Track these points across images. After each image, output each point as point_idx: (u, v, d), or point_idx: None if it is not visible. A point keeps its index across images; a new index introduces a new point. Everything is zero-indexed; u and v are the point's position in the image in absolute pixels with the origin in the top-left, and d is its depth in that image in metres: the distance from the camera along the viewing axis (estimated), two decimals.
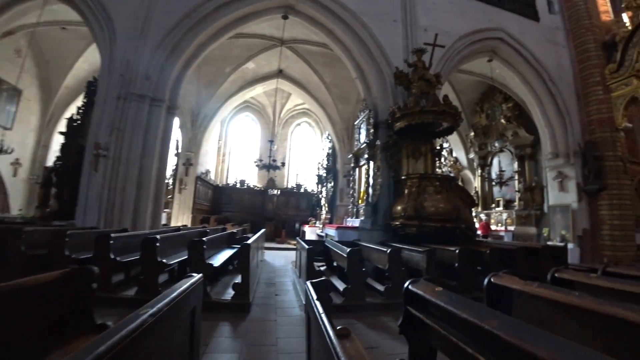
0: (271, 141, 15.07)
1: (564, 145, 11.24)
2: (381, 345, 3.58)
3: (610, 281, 2.91)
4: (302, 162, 22.48)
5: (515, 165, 13.20)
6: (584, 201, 10.92)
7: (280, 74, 16.14)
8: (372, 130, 8.45)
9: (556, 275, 3.28)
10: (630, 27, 10.82)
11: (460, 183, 14.01)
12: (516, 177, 13.11)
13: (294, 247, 10.31)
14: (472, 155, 15.49)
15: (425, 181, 7.16)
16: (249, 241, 5.11)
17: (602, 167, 10.56)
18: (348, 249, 4.93)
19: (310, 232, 14.16)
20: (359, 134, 9.52)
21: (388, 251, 5.07)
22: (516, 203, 13.29)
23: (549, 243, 10.47)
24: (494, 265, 5.99)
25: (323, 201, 17.40)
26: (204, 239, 4.71)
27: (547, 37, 11.78)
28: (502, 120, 13.83)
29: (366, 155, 8.54)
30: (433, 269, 5.31)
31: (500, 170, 12.59)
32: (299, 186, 20.89)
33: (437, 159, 8.63)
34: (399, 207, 7.38)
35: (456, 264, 5.58)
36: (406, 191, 7.38)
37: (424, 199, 6.89)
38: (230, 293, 4.62)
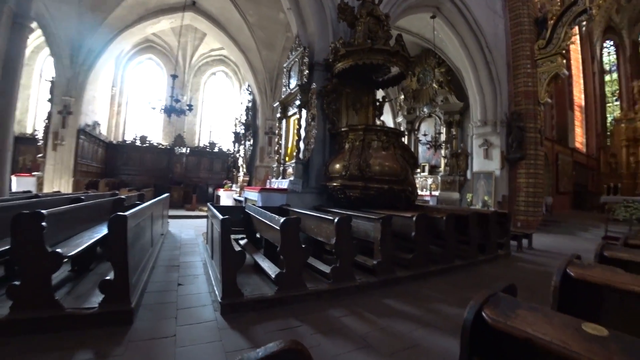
0: (174, 76, 11.80)
1: (492, 114, 11.25)
2: None
3: None
4: (217, 118, 19.58)
5: (444, 131, 13.03)
6: (505, 169, 11.17)
7: (193, 6, 13.15)
8: (306, 72, 6.82)
9: (605, 254, 2.32)
10: (560, 7, 11.08)
11: None
12: (443, 143, 12.98)
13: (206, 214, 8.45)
14: (400, 119, 15.06)
15: (370, 134, 5.93)
16: (131, 211, 3.22)
17: (524, 137, 10.85)
18: (282, 219, 3.43)
19: (226, 197, 12.28)
20: (289, 77, 7.78)
21: (336, 220, 3.72)
22: (441, 169, 13.27)
23: (471, 208, 10.55)
24: (451, 233, 5.19)
25: (241, 161, 15.22)
26: (43, 211, 2.67)
27: (488, 4, 11.41)
28: (434, 85, 13.43)
29: (297, 103, 6.92)
30: (389, 241, 4.18)
31: (437, 133, 12.28)
32: (212, 145, 18.10)
33: (378, 113, 7.47)
34: (337, 166, 6.08)
35: (413, 234, 4.56)
36: (347, 146, 6.09)
37: (369, 156, 5.70)
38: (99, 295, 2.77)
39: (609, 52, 20.86)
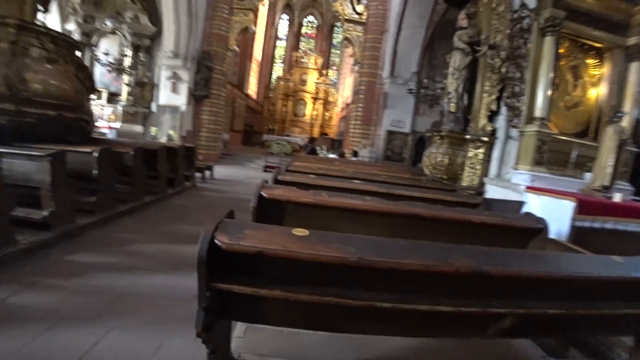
0: None
1: (185, 48, 10.95)
2: None
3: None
4: None
5: (130, 54, 11.37)
6: (191, 105, 11.56)
7: None
8: None
9: (279, 178, 2.94)
10: None
11: None
12: (128, 68, 11.40)
13: None
14: (71, 27, 11.57)
15: (29, 36, 4.16)
16: None
17: (211, 77, 11.55)
18: None
19: None
20: None
21: None
22: (123, 98, 11.74)
23: (157, 142, 10.36)
24: (140, 169, 4.82)
25: None
26: None
27: None
28: None
29: None
30: (64, 184, 3.31)
31: (122, 55, 10.36)
32: None
33: (42, 6, 5.30)
34: None
35: (95, 172, 3.84)
36: None
37: (26, 68, 4.04)
38: None
39: (283, 24, 25.67)
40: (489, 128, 5.03)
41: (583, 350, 2.40)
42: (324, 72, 23.50)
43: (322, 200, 2.23)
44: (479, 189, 4.94)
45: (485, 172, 5.04)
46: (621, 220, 3.33)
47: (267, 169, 11.20)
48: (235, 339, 1.78)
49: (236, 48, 13.20)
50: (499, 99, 4.96)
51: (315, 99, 22.50)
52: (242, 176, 10.08)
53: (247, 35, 16.92)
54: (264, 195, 2.15)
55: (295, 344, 1.82)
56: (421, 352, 1.95)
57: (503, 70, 4.77)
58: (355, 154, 11.50)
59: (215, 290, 1.19)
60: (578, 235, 3.21)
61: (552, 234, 2.70)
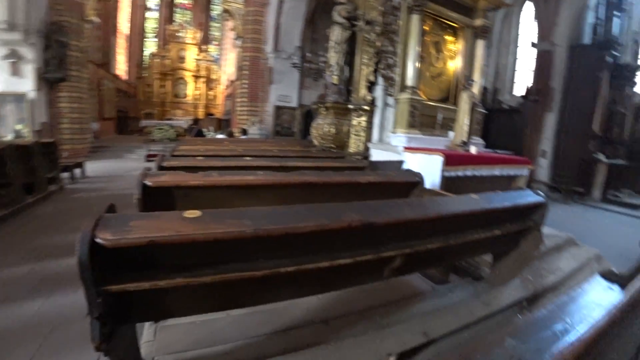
0: None
1: (24, 17, 8.62)
2: None
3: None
4: None
5: None
6: (43, 91, 9.49)
7: None
8: None
9: (164, 164, 2.71)
10: None
11: None
12: None
13: None
14: None
15: None
16: None
17: (66, 55, 9.54)
18: None
19: None
20: None
21: None
22: None
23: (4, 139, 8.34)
24: None
25: None
26: None
27: None
28: None
29: None
30: None
31: None
32: None
33: None
34: None
35: None
36: None
37: None
38: None
39: None
40: (368, 97, 5.48)
41: (459, 273, 2.97)
42: (204, 47, 21.68)
43: (213, 181, 2.16)
44: (365, 154, 5.41)
45: (368, 138, 5.52)
46: (477, 167, 4.12)
47: (149, 158, 10.09)
48: (145, 345, 1.64)
49: (95, 19, 11.16)
50: (375, 70, 5.40)
51: (196, 77, 20.64)
52: (121, 170, 8.93)
53: (108, 4, 14.46)
54: (149, 184, 1.97)
55: (211, 331, 1.78)
56: (329, 309, 2.10)
57: (378, 44, 5.20)
58: (244, 132, 11.26)
59: (108, 294, 1.07)
60: (447, 183, 3.85)
61: (428, 184, 3.17)
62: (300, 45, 11.62)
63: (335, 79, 5.87)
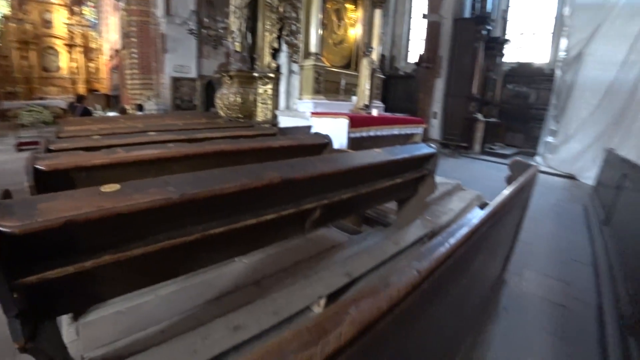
0: None
1: None
2: None
3: None
4: None
5: None
6: None
7: None
8: None
9: (51, 147, 2.36)
10: None
11: None
12: None
13: None
14: None
15: None
16: None
17: None
18: None
19: None
20: None
21: None
22: None
23: None
24: None
25: None
26: None
27: None
28: None
29: None
30: None
31: None
32: None
33: None
34: None
35: None
36: None
37: None
38: None
39: None
40: (273, 65, 5.45)
41: (370, 223, 3.34)
42: (77, 9, 18.05)
43: (121, 157, 2.02)
44: (273, 121, 5.45)
45: (276, 106, 5.55)
46: (378, 128, 4.54)
47: (22, 146, 8.41)
48: (70, 345, 1.48)
49: None
50: (279, 37, 5.36)
51: (70, 46, 16.94)
52: None
53: None
54: (42, 168, 1.75)
55: (140, 315, 1.72)
56: (258, 271, 2.19)
57: (281, 9, 5.13)
58: (140, 108, 10.19)
59: (25, 287, 0.98)
60: (353, 143, 4.19)
61: (336, 145, 3.42)
62: (196, 10, 10.69)
63: (238, 46, 5.65)
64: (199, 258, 1.40)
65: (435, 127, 10.64)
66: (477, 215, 2.51)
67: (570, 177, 7.49)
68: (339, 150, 3.19)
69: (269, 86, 5.42)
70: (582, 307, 2.69)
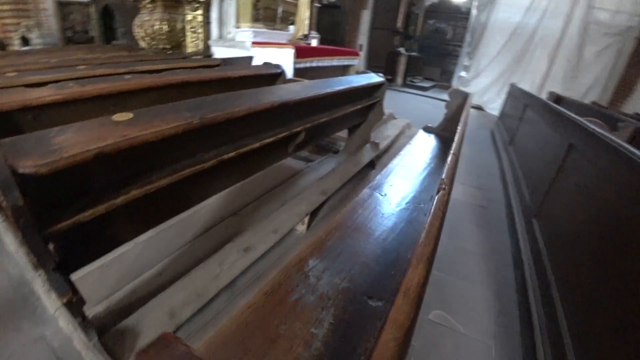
0: None
1: None
2: None
3: None
4: None
5: None
6: None
7: None
8: None
9: None
10: None
11: None
12: None
13: None
14: None
15: None
16: None
17: None
18: None
19: None
20: None
21: None
22: None
23: None
24: None
25: None
26: None
27: None
28: None
29: None
30: None
31: None
32: None
33: None
34: None
35: None
36: None
37: None
38: None
39: None
40: None
41: (320, 152, 3.54)
42: None
43: (75, 93, 1.80)
44: (206, 53, 5.02)
45: (208, 35, 5.09)
46: (321, 58, 4.54)
47: None
48: None
49: None
50: None
51: None
52: None
53: None
54: None
55: (127, 265, 1.64)
56: (232, 204, 2.22)
57: None
58: (26, 41, 8.29)
59: (59, 235, 0.90)
60: (297, 74, 4.17)
61: None
62: None
63: None
64: (211, 186, 1.44)
65: (361, 60, 10.84)
66: (423, 136, 2.87)
67: (479, 108, 8.56)
68: (293, 80, 3.20)
69: (199, 12, 4.87)
70: (496, 206, 3.42)
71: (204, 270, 1.51)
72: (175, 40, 5.04)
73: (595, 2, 7.20)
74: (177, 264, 1.67)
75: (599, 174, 1.66)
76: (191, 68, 3.21)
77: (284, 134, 1.64)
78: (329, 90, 2.05)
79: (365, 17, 10.44)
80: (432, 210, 1.03)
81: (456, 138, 1.83)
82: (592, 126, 1.94)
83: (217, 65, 3.51)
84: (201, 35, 5.00)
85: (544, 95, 5.39)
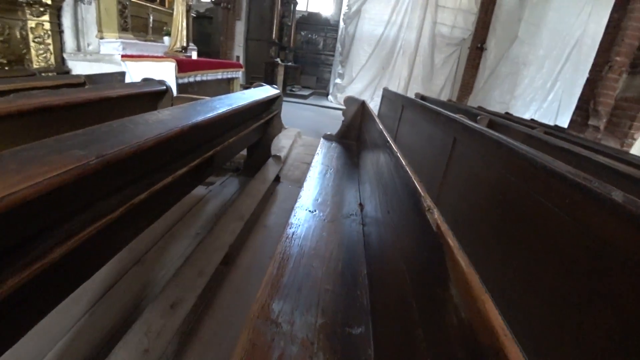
0: None
1: None
2: None
3: None
4: None
5: None
6: None
7: None
8: None
9: None
10: None
11: None
12: None
13: None
14: None
15: None
16: None
17: None
18: None
19: None
20: None
21: None
22: None
23: None
24: None
25: None
26: None
27: None
28: None
29: None
30: None
31: None
32: None
33: None
34: None
35: None
36: None
37: None
38: None
39: None
40: None
41: (218, 175, 3.29)
42: None
43: None
44: (62, 69, 4.16)
45: (61, 47, 4.21)
46: (205, 72, 4.20)
47: None
48: None
49: None
50: None
51: None
52: None
53: None
54: None
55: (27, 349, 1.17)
56: (131, 250, 1.79)
57: None
58: None
59: None
60: (180, 90, 3.78)
61: None
62: None
63: None
64: (119, 239, 1.13)
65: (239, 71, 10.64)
66: (325, 144, 2.91)
67: None
68: (183, 97, 2.85)
69: (45, 18, 3.94)
70: None
71: (127, 346, 1.17)
72: (14, 53, 3.98)
73: (438, 18, 8.86)
74: (78, 350, 1.28)
75: (482, 160, 1.95)
76: (51, 88, 2.58)
77: (196, 162, 1.42)
78: (235, 106, 1.89)
79: (240, 28, 10.28)
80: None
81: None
82: (469, 122, 2.28)
83: (82, 84, 2.91)
84: (51, 47, 4.09)
85: (410, 96, 6.17)
